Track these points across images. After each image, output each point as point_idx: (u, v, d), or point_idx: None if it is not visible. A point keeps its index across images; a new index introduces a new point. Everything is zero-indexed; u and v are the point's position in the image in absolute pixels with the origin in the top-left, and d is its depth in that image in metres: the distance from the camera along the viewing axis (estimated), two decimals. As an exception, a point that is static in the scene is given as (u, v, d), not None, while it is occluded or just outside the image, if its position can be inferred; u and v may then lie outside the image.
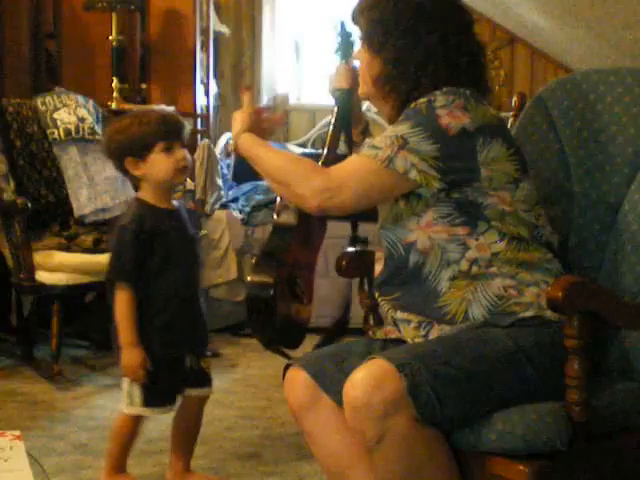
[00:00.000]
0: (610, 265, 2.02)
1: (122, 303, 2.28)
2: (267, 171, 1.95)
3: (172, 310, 2.31)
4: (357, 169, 1.85)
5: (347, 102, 2.08)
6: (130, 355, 2.27)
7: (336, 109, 2.09)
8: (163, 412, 2.40)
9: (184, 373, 2.39)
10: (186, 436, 2.50)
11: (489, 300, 1.81)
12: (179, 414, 2.47)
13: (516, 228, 1.85)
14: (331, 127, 2.10)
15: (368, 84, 1.97)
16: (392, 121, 1.97)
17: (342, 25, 2.11)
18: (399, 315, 1.90)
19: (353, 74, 2.08)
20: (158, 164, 2.27)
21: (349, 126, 2.12)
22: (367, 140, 1.90)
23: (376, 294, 1.97)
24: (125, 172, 2.32)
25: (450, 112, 1.80)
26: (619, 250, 2.00)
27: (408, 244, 1.87)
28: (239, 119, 2.04)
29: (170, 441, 2.53)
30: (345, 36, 2.12)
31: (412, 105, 1.85)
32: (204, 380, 2.46)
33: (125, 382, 2.33)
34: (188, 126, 2.41)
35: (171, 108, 4.59)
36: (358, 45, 2.01)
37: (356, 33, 2.06)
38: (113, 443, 2.45)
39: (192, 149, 4.21)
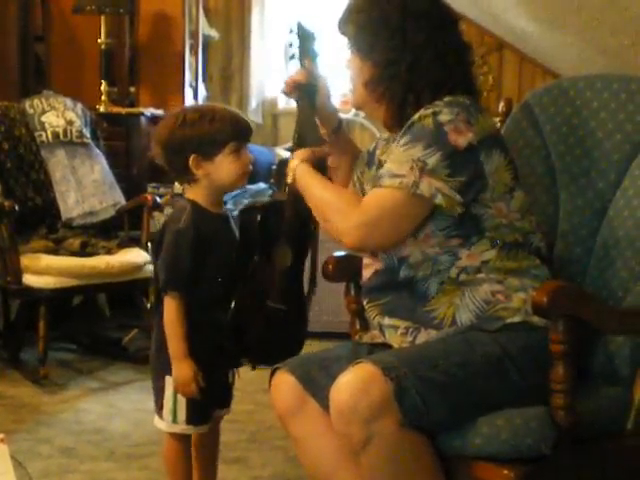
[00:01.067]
0: (596, 270, 2.03)
1: (173, 313, 2.08)
2: (313, 202, 1.93)
3: (221, 322, 2.13)
4: (387, 202, 1.81)
5: (307, 106, 2.02)
6: (181, 368, 2.07)
7: (298, 112, 2.04)
8: (202, 430, 2.19)
9: (227, 389, 2.24)
10: (214, 457, 2.34)
11: (477, 305, 1.81)
12: (206, 435, 2.25)
13: (508, 236, 1.86)
14: (295, 134, 2.05)
15: (360, 91, 1.96)
16: (387, 125, 1.97)
17: (299, 26, 2.06)
18: (386, 321, 1.90)
19: (312, 73, 2.05)
20: (226, 165, 2.10)
21: (313, 129, 2.05)
22: (381, 171, 1.88)
23: (364, 300, 1.97)
24: (180, 169, 2.13)
25: (456, 127, 1.79)
26: (605, 256, 2.01)
27: (401, 258, 1.87)
28: (299, 154, 2.00)
29: (197, 465, 2.28)
30: (304, 37, 2.07)
31: (416, 117, 1.83)
32: (229, 398, 2.27)
33: (168, 399, 2.13)
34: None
35: (159, 111, 4.60)
36: (318, 49, 2.02)
37: (316, 31, 2.06)
38: (172, 476, 2.22)
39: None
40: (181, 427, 2.15)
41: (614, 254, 1.99)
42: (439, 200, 1.78)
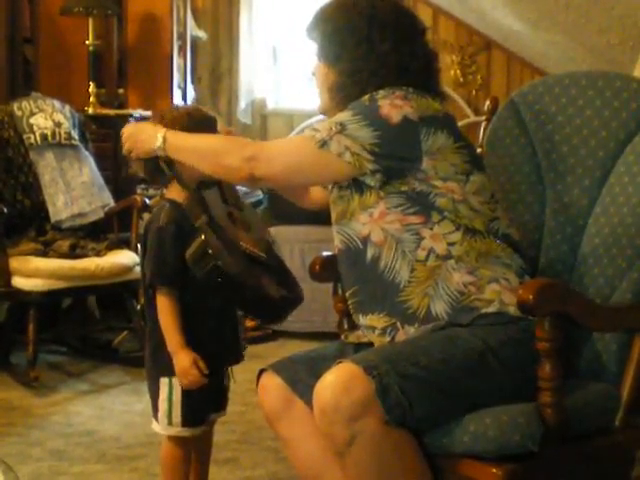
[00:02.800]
0: (582, 268, 2.03)
1: (166, 309, 2.10)
2: (196, 154, 1.97)
3: (213, 318, 2.15)
4: (292, 145, 1.93)
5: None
6: (181, 359, 2.08)
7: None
8: (198, 432, 2.19)
9: (222, 392, 2.24)
10: (207, 459, 2.34)
11: (450, 295, 1.82)
12: (201, 438, 2.25)
13: (470, 220, 1.86)
14: None
15: (325, 97, 1.99)
16: None
17: None
18: (362, 321, 1.91)
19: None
20: None
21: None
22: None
23: (347, 300, 1.97)
24: (156, 171, 2.16)
25: (391, 102, 1.83)
26: (591, 253, 2.02)
27: (364, 238, 1.88)
28: (149, 126, 2.09)
29: (195, 468, 2.29)
30: None
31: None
32: (225, 401, 2.28)
33: (163, 402, 2.14)
34: (220, 120, 2.29)
35: (148, 113, 4.59)
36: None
37: None
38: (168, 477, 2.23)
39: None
40: (176, 429, 2.15)
41: (601, 252, 1.99)
42: (347, 158, 1.81)
